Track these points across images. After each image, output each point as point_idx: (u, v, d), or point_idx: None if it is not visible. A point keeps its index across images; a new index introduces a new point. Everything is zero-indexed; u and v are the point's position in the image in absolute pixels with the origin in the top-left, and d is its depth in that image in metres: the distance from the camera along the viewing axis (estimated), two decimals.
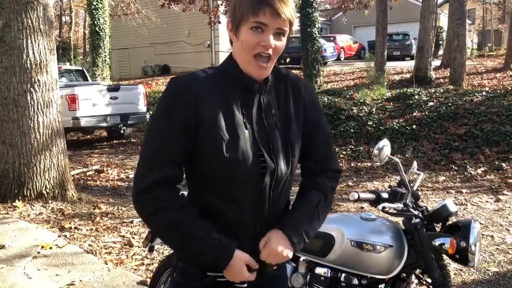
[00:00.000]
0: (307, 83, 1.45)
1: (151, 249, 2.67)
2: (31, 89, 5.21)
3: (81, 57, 33.44)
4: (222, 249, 1.24)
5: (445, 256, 2.00)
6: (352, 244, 1.98)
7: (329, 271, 2.05)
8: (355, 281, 2.00)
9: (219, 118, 1.22)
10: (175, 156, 1.24)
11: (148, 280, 3.14)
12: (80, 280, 3.43)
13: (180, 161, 1.26)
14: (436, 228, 2.06)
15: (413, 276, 2.11)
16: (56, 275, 3.51)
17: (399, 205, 1.96)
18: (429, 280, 2.00)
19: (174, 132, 1.22)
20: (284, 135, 1.29)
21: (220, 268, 1.26)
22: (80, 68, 13.28)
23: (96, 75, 15.34)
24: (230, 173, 1.23)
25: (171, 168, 1.24)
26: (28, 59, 5.16)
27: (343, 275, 2.02)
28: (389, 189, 2.05)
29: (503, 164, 6.64)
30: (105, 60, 15.85)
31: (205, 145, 1.23)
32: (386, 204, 1.93)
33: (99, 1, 15.47)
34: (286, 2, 1.20)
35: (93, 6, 15.43)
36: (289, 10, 1.21)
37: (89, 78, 12.74)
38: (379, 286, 2.02)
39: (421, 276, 2.08)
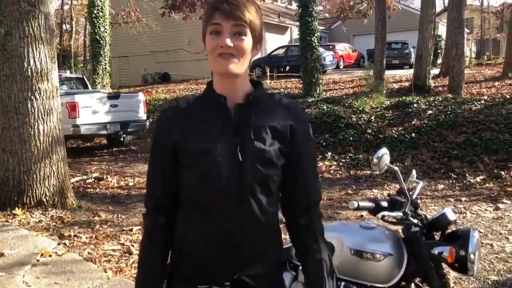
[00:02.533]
0: (303, 113, 1.45)
1: None
2: (32, 97, 5.23)
3: (81, 65, 33.52)
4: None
5: (444, 265, 2.00)
6: (352, 252, 1.99)
7: None
8: None
9: (190, 139, 1.32)
10: (163, 184, 1.38)
11: None
12: None
13: (166, 186, 1.39)
14: (436, 237, 2.07)
15: (413, 285, 2.11)
16: (55, 283, 3.51)
17: (399, 214, 1.97)
18: None
19: (157, 159, 1.39)
20: (258, 149, 1.30)
21: None
22: (81, 76, 13.32)
23: (96, 83, 15.36)
24: (205, 186, 1.31)
25: (160, 194, 1.40)
26: (29, 67, 5.19)
27: (342, 283, 2.02)
28: (388, 198, 2.06)
29: (502, 173, 6.65)
30: (105, 68, 15.89)
31: (180, 163, 1.34)
32: (385, 213, 1.94)
33: (100, 10, 15.54)
34: (235, 3, 1.26)
35: (93, 15, 15.49)
36: (240, 10, 1.25)
37: (89, 86, 12.78)
38: None
39: (421, 285, 2.08)
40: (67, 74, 14.39)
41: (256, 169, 1.29)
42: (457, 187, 6.35)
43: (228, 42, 1.25)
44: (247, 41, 1.28)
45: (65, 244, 4.38)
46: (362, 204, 1.92)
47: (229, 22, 1.25)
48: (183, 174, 1.35)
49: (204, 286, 1.36)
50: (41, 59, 5.26)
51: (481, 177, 6.62)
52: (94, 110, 9.16)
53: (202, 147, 1.29)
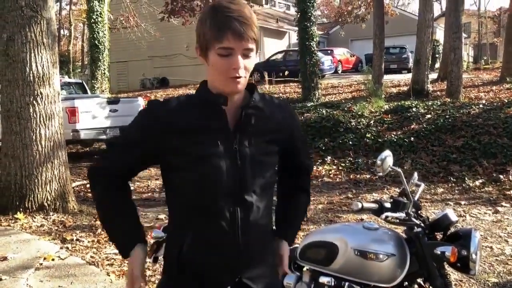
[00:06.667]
0: (292, 109, 1.52)
1: (155, 260, 2.69)
2: (34, 101, 5.25)
3: (80, 70, 33.57)
4: (124, 241, 1.41)
5: (446, 266, 2.03)
6: (356, 253, 2.02)
7: (333, 280, 2.08)
8: None
9: (190, 143, 1.28)
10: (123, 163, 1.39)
11: None
12: None
13: (124, 168, 1.41)
14: (437, 237, 2.10)
15: (416, 285, 2.14)
16: (59, 286, 3.52)
17: (401, 215, 2.00)
18: None
19: (134, 145, 1.35)
20: (255, 153, 1.33)
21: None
22: (80, 81, 13.35)
23: (95, 88, 15.39)
24: (206, 189, 1.29)
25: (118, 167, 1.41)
26: (31, 72, 5.22)
27: (346, 284, 2.06)
28: (391, 199, 2.09)
29: (501, 176, 6.69)
30: (104, 73, 15.92)
31: (174, 166, 1.31)
32: (388, 214, 1.97)
33: (99, 15, 15.59)
34: (247, 23, 1.21)
35: (92, 20, 15.55)
36: (251, 29, 1.22)
37: (88, 91, 12.80)
38: None
39: (423, 285, 2.12)
40: (66, 79, 14.41)
41: (255, 173, 1.32)
42: (456, 191, 6.39)
43: (242, 66, 1.23)
44: (253, 58, 1.28)
45: (67, 248, 4.39)
46: (366, 205, 1.95)
47: (242, 44, 1.21)
48: (178, 178, 1.32)
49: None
50: (43, 64, 5.29)
51: (480, 180, 6.66)
52: (93, 115, 9.19)
53: (204, 151, 1.28)
